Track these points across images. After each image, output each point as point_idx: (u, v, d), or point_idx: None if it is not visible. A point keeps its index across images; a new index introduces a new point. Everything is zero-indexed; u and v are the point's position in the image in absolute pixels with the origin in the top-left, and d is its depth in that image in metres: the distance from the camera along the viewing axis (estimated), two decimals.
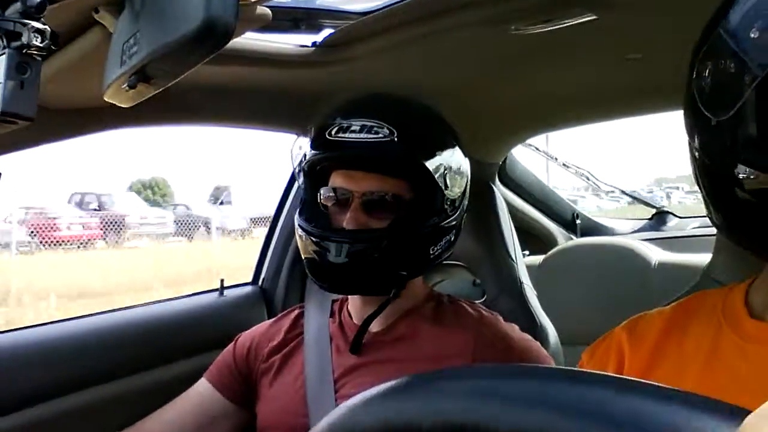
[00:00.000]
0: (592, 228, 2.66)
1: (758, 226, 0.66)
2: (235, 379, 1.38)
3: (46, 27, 0.67)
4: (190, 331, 1.63)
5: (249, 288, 1.85)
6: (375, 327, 1.30)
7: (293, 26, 1.17)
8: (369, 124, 1.19)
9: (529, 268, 2.07)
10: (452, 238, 1.29)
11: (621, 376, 0.36)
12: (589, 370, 0.40)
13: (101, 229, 15.33)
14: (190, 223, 16.60)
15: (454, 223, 1.28)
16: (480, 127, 1.69)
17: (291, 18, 1.15)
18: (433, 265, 1.28)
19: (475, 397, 0.37)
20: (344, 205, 1.24)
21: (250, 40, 1.20)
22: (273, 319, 1.46)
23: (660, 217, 2.66)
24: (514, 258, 1.60)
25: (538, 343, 1.31)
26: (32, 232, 13.82)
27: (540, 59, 1.30)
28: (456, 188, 1.27)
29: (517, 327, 1.32)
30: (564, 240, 2.50)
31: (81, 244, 14.36)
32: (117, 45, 0.72)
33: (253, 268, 1.90)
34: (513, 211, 2.22)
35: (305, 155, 1.27)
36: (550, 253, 2.23)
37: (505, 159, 2.12)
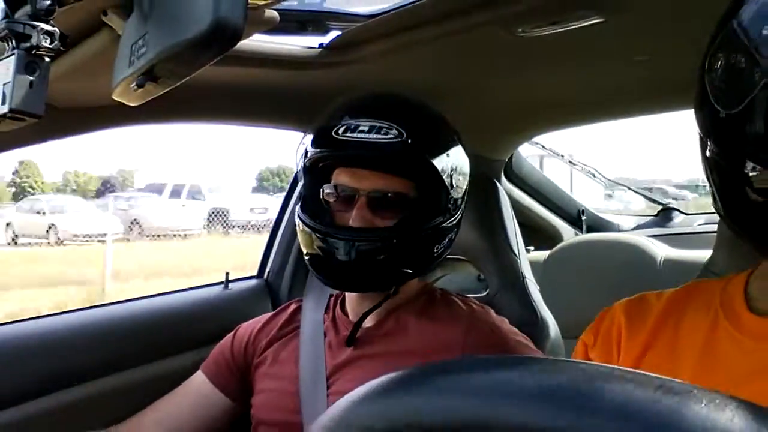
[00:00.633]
0: (598, 224, 2.65)
1: (763, 223, 0.67)
2: (231, 372, 1.39)
3: (55, 29, 0.68)
4: (195, 323, 1.64)
5: (254, 281, 1.86)
6: (367, 322, 1.30)
7: (300, 28, 1.17)
8: (378, 124, 1.18)
9: (535, 263, 2.08)
10: (453, 236, 1.30)
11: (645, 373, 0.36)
12: (598, 364, 0.40)
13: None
14: None
15: (455, 222, 1.28)
16: (486, 125, 1.69)
17: (298, 20, 1.15)
18: (436, 263, 1.28)
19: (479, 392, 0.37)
20: (348, 203, 1.24)
21: (257, 41, 1.20)
22: (271, 313, 1.47)
23: (666, 214, 2.66)
24: (516, 253, 1.60)
25: (526, 337, 1.31)
26: None
27: (547, 61, 1.30)
28: (460, 188, 1.28)
29: (507, 321, 1.33)
30: (570, 236, 2.50)
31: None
32: (125, 46, 0.72)
33: None
34: (519, 207, 2.22)
35: (307, 152, 1.27)
36: (555, 248, 2.23)
37: (512, 156, 2.11)
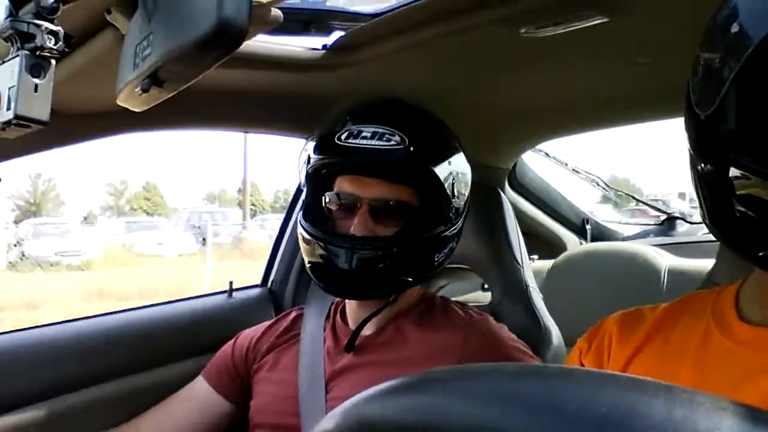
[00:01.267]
0: (603, 233, 2.65)
1: (746, 232, 0.66)
2: (231, 377, 1.40)
3: (59, 28, 0.68)
4: (199, 331, 1.64)
5: (258, 290, 1.86)
6: (366, 330, 1.30)
7: (304, 29, 1.17)
8: (380, 130, 1.19)
9: (540, 272, 2.07)
10: (455, 245, 1.30)
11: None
12: (593, 369, 0.40)
13: None
14: None
15: (456, 230, 1.28)
16: (489, 132, 1.69)
17: (301, 20, 1.15)
18: (436, 271, 1.28)
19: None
20: (350, 211, 1.24)
21: (261, 43, 1.20)
22: (272, 320, 1.48)
23: (670, 223, 2.65)
24: (520, 262, 1.60)
25: (525, 344, 1.31)
26: None
27: (551, 63, 1.30)
28: (462, 196, 1.28)
29: (506, 327, 1.33)
30: (574, 245, 2.50)
31: None
32: (130, 47, 0.72)
33: None
34: (523, 215, 2.22)
35: (309, 158, 1.27)
36: (560, 257, 2.22)
37: (515, 164, 2.11)
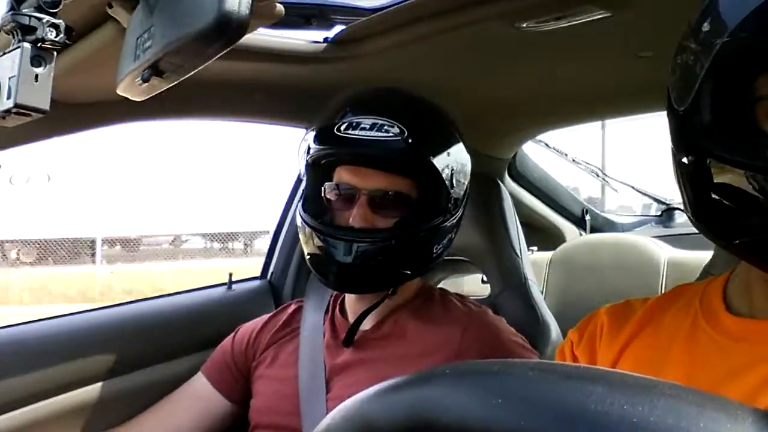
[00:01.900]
0: (602, 224, 2.65)
1: (726, 222, 0.67)
2: (231, 374, 1.39)
3: (61, 21, 0.68)
4: (199, 325, 1.64)
5: (257, 282, 1.86)
6: (365, 324, 1.30)
7: (305, 22, 1.17)
8: (380, 122, 1.18)
9: (539, 263, 2.07)
10: (453, 236, 1.30)
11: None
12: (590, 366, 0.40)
13: None
14: None
15: (455, 221, 1.28)
16: (490, 123, 1.69)
17: (303, 14, 1.15)
18: (435, 263, 1.28)
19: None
20: (349, 201, 1.23)
21: (262, 36, 1.20)
22: (271, 313, 1.47)
23: (670, 214, 2.65)
24: (518, 253, 1.60)
25: (524, 338, 1.32)
26: None
27: (551, 56, 1.30)
28: (461, 187, 1.27)
29: (504, 320, 1.33)
30: (573, 236, 2.50)
31: None
32: (131, 39, 0.72)
33: None
34: (522, 206, 2.22)
35: (309, 148, 1.26)
36: (559, 248, 2.22)
37: (515, 155, 2.11)
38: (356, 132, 1.18)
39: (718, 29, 0.64)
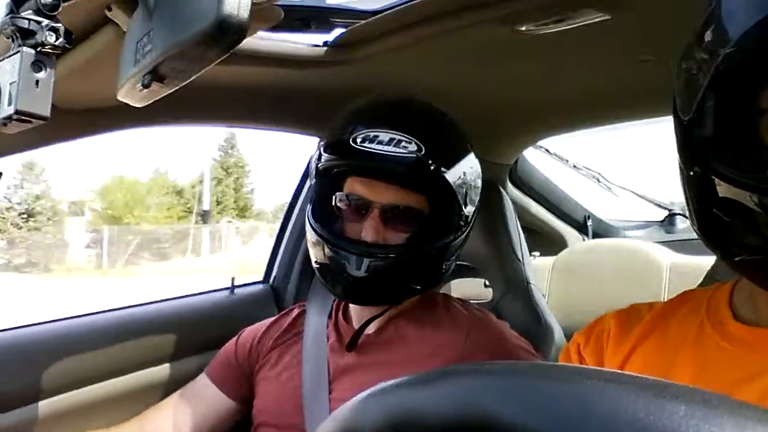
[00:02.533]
0: (604, 230, 2.65)
1: (731, 239, 0.67)
2: (234, 375, 1.40)
3: (60, 25, 0.68)
4: (201, 328, 1.65)
5: (260, 286, 1.86)
6: (368, 329, 1.31)
7: (305, 26, 1.17)
8: (397, 137, 1.17)
9: (542, 269, 2.07)
10: (461, 251, 1.31)
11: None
12: (594, 368, 0.39)
13: None
14: None
15: (464, 237, 1.29)
16: (491, 129, 1.69)
17: (302, 17, 1.15)
18: (447, 277, 1.29)
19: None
20: (360, 213, 1.23)
21: (261, 39, 1.20)
22: (275, 317, 1.48)
23: (672, 219, 2.65)
24: (521, 258, 1.61)
25: (527, 342, 1.32)
26: None
27: (552, 60, 1.30)
28: (473, 203, 1.28)
29: (507, 325, 1.34)
30: (575, 242, 2.49)
31: None
32: (130, 43, 0.72)
33: None
34: (524, 212, 2.22)
35: (320, 156, 1.26)
36: (561, 254, 2.22)
37: (517, 160, 2.11)
38: (373, 146, 1.17)
39: (722, 39, 0.62)
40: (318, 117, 1.57)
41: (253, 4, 0.61)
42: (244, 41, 0.62)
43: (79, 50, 0.89)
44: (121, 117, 1.27)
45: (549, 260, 2.22)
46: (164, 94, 0.73)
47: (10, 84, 0.70)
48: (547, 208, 2.38)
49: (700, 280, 1.09)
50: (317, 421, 1.20)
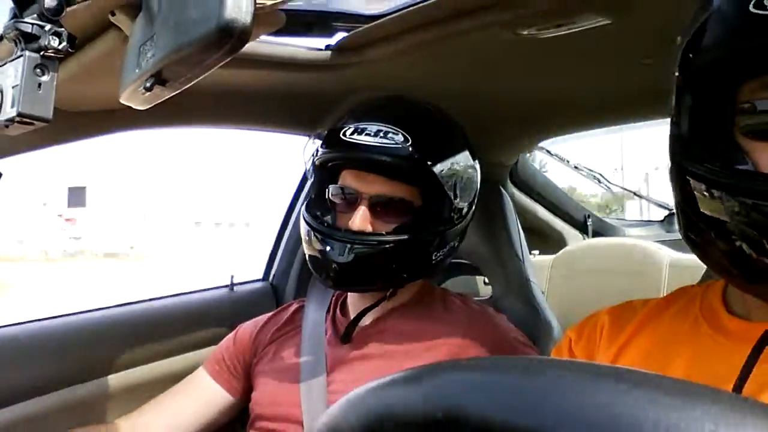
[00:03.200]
0: (604, 229, 2.65)
1: (716, 251, 0.68)
2: (233, 370, 1.41)
3: (63, 29, 0.68)
4: (201, 325, 1.65)
5: (259, 284, 1.87)
6: (365, 321, 1.32)
7: (306, 30, 1.17)
8: (384, 128, 1.20)
9: (541, 267, 2.07)
10: (456, 244, 1.30)
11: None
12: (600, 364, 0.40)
13: None
14: None
15: (459, 230, 1.29)
16: (492, 130, 1.69)
17: (304, 21, 1.15)
18: (435, 269, 1.29)
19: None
20: (351, 205, 1.25)
21: (263, 43, 1.20)
22: (272, 312, 1.49)
23: (671, 218, 2.65)
24: (521, 257, 1.61)
25: (525, 335, 1.33)
26: None
27: (552, 63, 1.30)
28: (465, 198, 1.28)
29: (505, 317, 1.35)
30: (575, 240, 2.50)
31: None
32: (133, 48, 0.73)
33: None
34: (525, 211, 2.22)
35: (317, 151, 1.28)
36: (561, 252, 2.22)
37: (517, 161, 2.11)
38: (361, 137, 1.20)
39: (692, 47, 0.67)
40: (319, 119, 1.58)
41: (255, 8, 0.61)
42: (247, 45, 0.62)
43: (83, 54, 0.89)
44: (123, 119, 1.27)
45: (549, 258, 2.22)
46: (166, 97, 0.73)
47: (13, 87, 0.70)
48: (547, 208, 2.39)
49: (699, 278, 1.09)
50: (315, 413, 1.21)
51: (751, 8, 0.61)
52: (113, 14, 0.78)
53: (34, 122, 0.71)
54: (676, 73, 0.69)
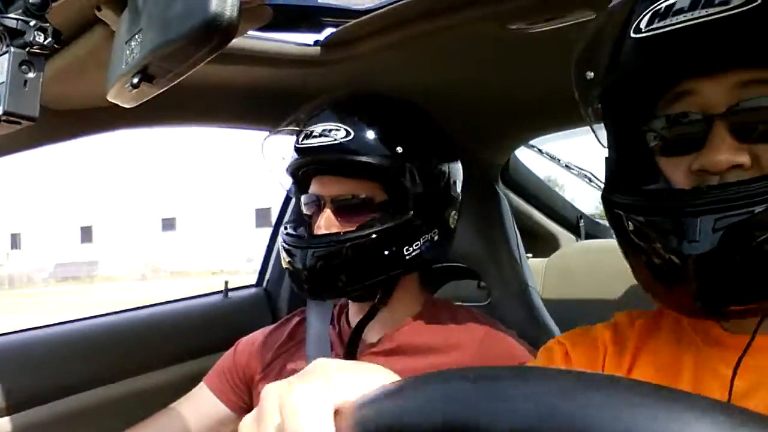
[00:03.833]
0: (597, 230, 2.64)
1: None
2: (234, 385, 1.39)
3: (49, 25, 0.68)
4: (195, 332, 1.64)
5: (253, 290, 1.86)
6: (371, 338, 1.29)
7: (295, 25, 1.17)
8: (328, 127, 1.18)
9: (535, 270, 2.07)
10: (435, 238, 1.24)
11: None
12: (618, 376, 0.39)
13: None
14: None
15: (432, 222, 1.24)
16: (483, 128, 1.68)
17: (292, 16, 1.15)
18: (416, 266, 1.24)
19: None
20: (318, 211, 1.24)
21: (251, 39, 1.20)
22: (274, 325, 1.46)
23: None
24: (518, 259, 1.60)
25: (530, 346, 1.28)
26: None
27: (541, 58, 1.29)
28: (429, 186, 1.22)
29: (515, 333, 1.30)
30: (568, 242, 2.49)
31: None
32: (120, 43, 0.72)
33: None
34: (516, 212, 2.21)
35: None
36: (554, 254, 2.22)
37: (509, 160, 2.11)
38: (308, 141, 1.19)
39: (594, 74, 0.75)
40: None
41: (242, 3, 0.61)
42: (234, 41, 0.62)
43: (69, 50, 0.89)
44: (111, 118, 1.26)
45: (542, 261, 2.21)
46: (154, 95, 0.73)
47: None
48: (539, 209, 2.38)
49: None
50: None
51: (631, 33, 0.66)
52: (99, 9, 0.78)
53: (21, 121, 0.70)
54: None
